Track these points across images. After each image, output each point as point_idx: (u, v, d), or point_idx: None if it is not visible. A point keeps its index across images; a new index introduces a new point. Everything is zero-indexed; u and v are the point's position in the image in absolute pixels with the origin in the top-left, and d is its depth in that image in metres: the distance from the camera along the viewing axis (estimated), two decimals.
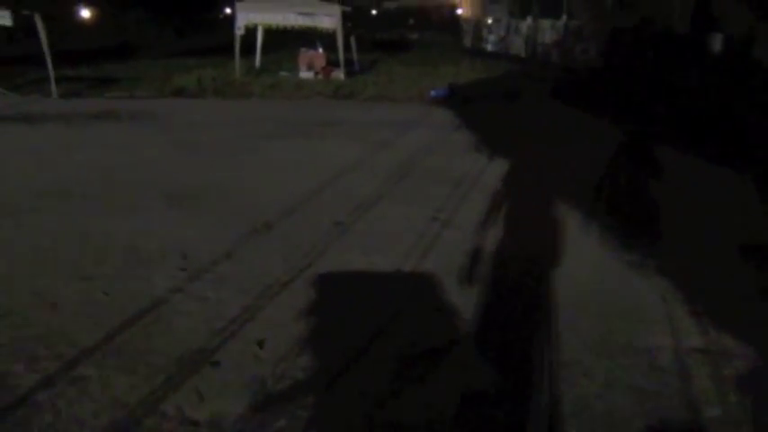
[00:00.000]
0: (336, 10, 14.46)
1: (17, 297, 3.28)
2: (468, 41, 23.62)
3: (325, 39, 15.55)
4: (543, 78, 14.18)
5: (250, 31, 14.90)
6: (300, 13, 14.28)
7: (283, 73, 15.41)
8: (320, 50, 15.55)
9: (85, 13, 34.24)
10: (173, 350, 2.77)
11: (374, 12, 51.45)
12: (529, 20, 16.62)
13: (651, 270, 3.84)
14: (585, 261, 3.96)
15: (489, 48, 19.82)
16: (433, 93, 12.05)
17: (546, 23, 16.15)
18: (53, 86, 10.86)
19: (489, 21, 21.08)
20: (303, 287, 3.49)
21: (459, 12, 55.73)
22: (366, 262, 3.90)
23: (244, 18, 14.29)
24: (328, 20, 14.34)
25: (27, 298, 3.28)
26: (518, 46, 17.24)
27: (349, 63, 15.18)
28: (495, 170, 6.34)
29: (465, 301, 3.33)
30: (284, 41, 21.15)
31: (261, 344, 2.87)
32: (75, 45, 23.81)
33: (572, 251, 4.13)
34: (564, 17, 15.05)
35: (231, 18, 15.22)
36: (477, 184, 5.79)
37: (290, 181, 5.80)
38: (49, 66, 10.72)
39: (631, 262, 3.97)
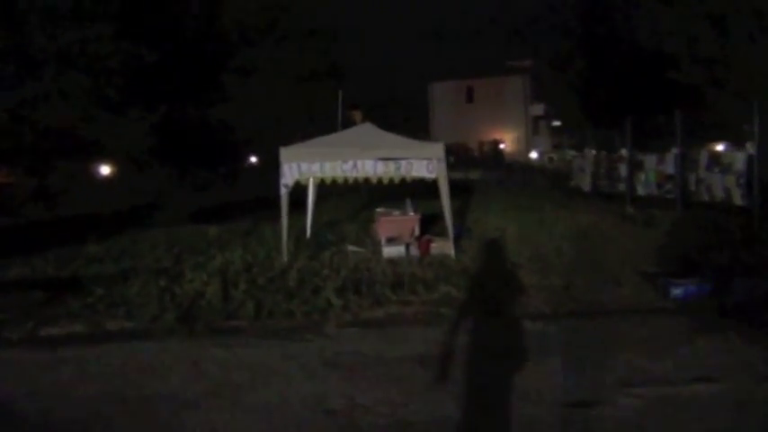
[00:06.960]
0: (439, 150, 9.16)
1: None
2: (584, 182, 18.09)
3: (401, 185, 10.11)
4: None
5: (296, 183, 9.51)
6: (383, 159, 8.99)
7: (353, 248, 9.78)
8: (411, 213, 10.12)
9: (105, 171, 30.73)
10: None
11: None
12: (749, 148, 11.12)
13: None
14: None
15: (640, 190, 14.21)
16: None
17: None
18: None
19: (623, 153, 15.58)
20: None
21: (503, 146, 52.81)
22: None
23: (294, 171, 8.98)
24: (426, 166, 8.97)
25: None
26: (720, 188, 11.35)
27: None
28: None
29: None
30: (333, 187, 16.00)
31: None
32: (84, 209, 19.15)
33: None
34: None
35: (259, 168, 9.83)
36: None
37: None
38: None
39: None
